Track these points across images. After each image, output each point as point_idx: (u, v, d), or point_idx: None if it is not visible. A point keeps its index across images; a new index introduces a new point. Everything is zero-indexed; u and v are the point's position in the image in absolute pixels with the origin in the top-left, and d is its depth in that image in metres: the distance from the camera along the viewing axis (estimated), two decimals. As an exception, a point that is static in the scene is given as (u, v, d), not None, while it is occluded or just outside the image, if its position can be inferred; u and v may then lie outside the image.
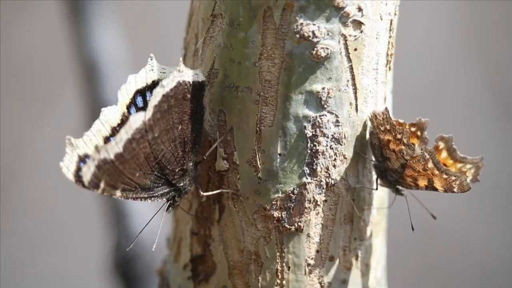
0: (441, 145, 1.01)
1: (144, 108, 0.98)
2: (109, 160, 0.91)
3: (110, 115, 0.97)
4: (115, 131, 0.97)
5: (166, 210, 0.99)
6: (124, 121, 0.97)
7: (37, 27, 2.62)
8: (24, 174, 2.58)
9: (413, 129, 1.00)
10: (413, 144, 0.99)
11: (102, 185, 0.92)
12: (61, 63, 2.09)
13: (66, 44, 1.76)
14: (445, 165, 1.00)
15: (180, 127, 0.97)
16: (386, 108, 0.99)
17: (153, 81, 0.99)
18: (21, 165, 2.59)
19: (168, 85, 0.95)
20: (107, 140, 0.96)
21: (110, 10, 1.75)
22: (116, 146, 0.91)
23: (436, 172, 0.97)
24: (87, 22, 1.73)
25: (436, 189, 0.98)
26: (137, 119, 0.92)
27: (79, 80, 1.73)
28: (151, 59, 0.99)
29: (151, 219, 1.02)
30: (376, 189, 1.01)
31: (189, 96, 0.97)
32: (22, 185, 2.57)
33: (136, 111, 0.98)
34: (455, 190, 0.97)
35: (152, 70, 0.99)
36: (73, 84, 1.77)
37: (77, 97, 1.73)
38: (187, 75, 0.97)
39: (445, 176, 0.97)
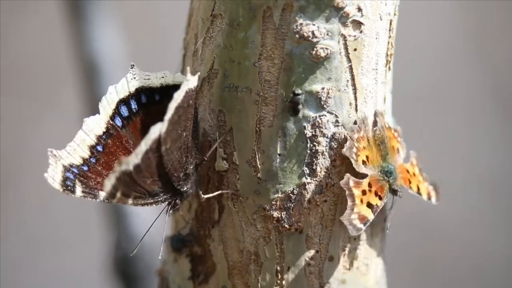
0: (414, 161, 1.03)
1: (130, 117, 0.99)
2: (128, 171, 0.92)
3: (93, 125, 0.99)
4: (100, 139, 0.99)
5: (167, 213, 0.99)
6: (109, 129, 0.98)
7: (37, 27, 2.62)
8: (24, 174, 2.58)
9: (395, 133, 1.02)
10: (399, 148, 1.01)
11: (118, 195, 0.93)
12: (61, 63, 2.09)
13: (66, 44, 1.76)
14: (419, 180, 1.02)
15: (184, 134, 0.97)
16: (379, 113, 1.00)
17: (137, 89, 1.00)
18: (21, 165, 2.59)
19: (179, 97, 0.95)
20: (92, 148, 0.98)
21: (110, 10, 1.75)
22: (135, 158, 0.92)
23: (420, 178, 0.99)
24: (87, 22, 1.73)
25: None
26: (155, 130, 0.93)
27: (79, 80, 1.73)
28: (132, 68, 0.99)
29: (153, 223, 1.03)
30: None
31: (191, 102, 0.97)
32: (22, 185, 2.57)
33: (121, 121, 0.99)
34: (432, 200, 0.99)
35: (135, 78, 0.99)
36: (73, 84, 1.77)
37: (77, 97, 1.73)
38: (192, 82, 0.97)
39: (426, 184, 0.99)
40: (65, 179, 0.97)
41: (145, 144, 0.92)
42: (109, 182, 0.92)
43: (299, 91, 0.96)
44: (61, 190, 0.97)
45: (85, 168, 0.98)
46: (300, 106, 0.96)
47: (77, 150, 0.98)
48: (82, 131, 0.99)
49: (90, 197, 0.97)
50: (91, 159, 0.98)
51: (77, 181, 0.97)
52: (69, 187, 0.97)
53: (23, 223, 2.58)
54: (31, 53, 2.64)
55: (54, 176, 0.97)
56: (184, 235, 1.03)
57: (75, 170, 0.97)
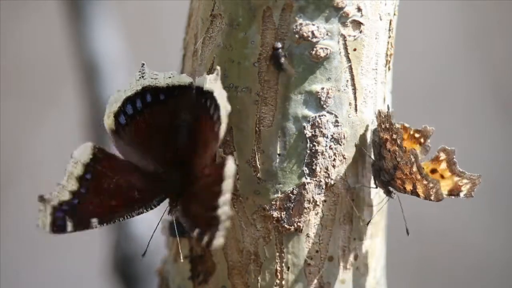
0: (442, 156, 1.02)
1: (134, 116, 0.99)
2: None
3: (80, 155, 0.98)
4: (88, 166, 0.98)
5: (169, 213, 0.99)
6: (96, 155, 0.98)
7: (37, 27, 2.62)
8: (24, 174, 2.58)
9: (417, 135, 1.01)
10: (414, 149, 1.00)
11: None
12: (61, 63, 2.09)
13: (66, 44, 1.76)
14: (442, 176, 1.01)
15: None
16: (388, 106, 1.00)
17: (143, 88, 0.99)
18: (21, 165, 2.59)
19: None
20: (81, 179, 0.98)
21: (110, 10, 1.75)
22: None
23: (419, 176, 0.98)
24: (87, 22, 1.73)
25: (418, 195, 0.99)
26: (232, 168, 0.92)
27: (79, 80, 1.73)
28: (143, 66, 0.99)
29: (157, 226, 1.03)
30: (376, 187, 1.02)
31: None
32: (22, 185, 2.57)
33: (125, 119, 0.99)
34: (432, 197, 0.98)
35: (143, 77, 0.99)
36: (73, 84, 1.77)
37: (77, 97, 1.73)
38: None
39: (425, 182, 0.98)
40: (55, 220, 0.96)
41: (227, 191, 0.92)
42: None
43: (279, 45, 0.95)
44: (52, 232, 0.96)
45: (75, 201, 0.97)
46: (283, 60, 0.95)
47: (66, 187, 0.97)
48: (69, 165, 0.98)
49: (80, 229, 0.97)
50: (81, 190, 0.98)
51: (67, 217, 0.96)
52: (60, 227, 0.96)
53: (23, 223, 2.58)
54: (31, 53, 2.64)
55: (44, 222, 0.96)
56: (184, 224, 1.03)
57: (65, 207, 0.97)
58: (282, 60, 0.95)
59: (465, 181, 1.01)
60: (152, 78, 0.99)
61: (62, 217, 0.96)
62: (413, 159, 0.98)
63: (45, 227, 0.96)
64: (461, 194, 1.01)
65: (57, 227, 0.96)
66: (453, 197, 1.02)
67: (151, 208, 0.98)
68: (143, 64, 1.00)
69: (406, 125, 1.01)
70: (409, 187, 0.99)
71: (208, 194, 0.92)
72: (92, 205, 0.97)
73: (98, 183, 0.98)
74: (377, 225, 1.04)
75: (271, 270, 1.00)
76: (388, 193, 1.01)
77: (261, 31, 0.97)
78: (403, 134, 0.99)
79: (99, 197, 0.97)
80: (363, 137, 1.00)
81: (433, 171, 1.01)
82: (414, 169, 0.98)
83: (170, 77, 1.00)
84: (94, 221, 0.97)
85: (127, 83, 1.00)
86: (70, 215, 0.96)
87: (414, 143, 1.01)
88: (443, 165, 1.01)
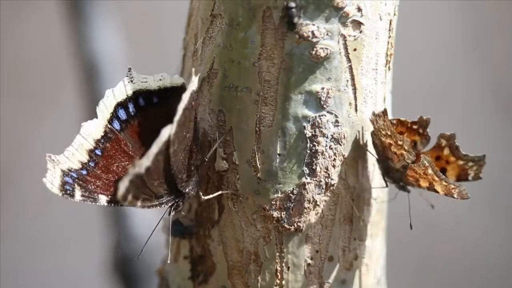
0: (443, 142, 1.02)
1: (128, 120, 0.99)
2: (140, 174, 0.92)
3: (91, 129, 0.99)
4: (99, 143, 0.99)
5: (169, 214, 0.99)
6: (107, 133, 0.99)
7: (37, 27, 2.62)
8: (24, 174, 2.58)
9: (414, 126, 1.01)
10: (415, 141, 1.00)
11: (129, 197, 0.93)
12: (61, 63, 2.09)
13: (66, 44, 1.76)
14: (447, 162, 1.01)
15: (188, 136, 0.97)
16: (384, 112, 0.99)
17: (134, 92, 1.00)
18: (21, 165, 2.59)
19: (186, 98, 0.95)
20: (91, 152, 0.99)
21: (110, 10, 1.75)
22: (147, 160, 0.92)
23: (436, 178, 0.97)
24: (87, 22, 1.73)
25: (437, 192, 0.99)
26: (165, 133, 0.93)
27: (79, 80, 1.73)
28: (129, 71, 1.00)
29: (156, 226, 1.03)
30: (386, 186, 1.02)
31: (194, 104, 0.97)
32: (22, 185, 2.57)
33: (120, 124, 0.99)
34: (454, 196, 0.98)
35: (132, 81, 1.00)
36: (73, 84, 1.77)
37: (77, 97, 1.74)
38: (195, 83, 0.97)
39: (444, 183, 0.97)
40: (64, 183, 0.97)
41: (156, 147, 0.93)
42: (123, 185, 0.92)
43: (292, 4, 0.95)
44: (60, 194, 0.97)
45: (84, 172, 0.98)
46: (296, 19, 0.95)
47: (75, 155, 0.98)
48: (80, 135, 0.99)
49: (90, 201, 0.98)
50: (90, 163, 0.98)
51: (76, 185, 0.98)
52: (68, 191, 0.97)
53: (23, 223, 2.58)
54: (31, 53, 2.64)
55: (53, 181, 0.97)
56: (184, 226, 1.03)
57: (74, 175, 0.98)
58: (296, 20, 0.95)
59: (470, 163, 1.01)
60: (142, 82, 1.00)
61: (71, 183, 0.97)
62: (427, 164, 0.97)
63: (53, 187, 0.97)
64: (469, 177, 1.01)
65: (65, 191, 0.97)
66: (462, 182, 1.02)
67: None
68: (130, 68, 1.00)
69: (402, 119, 1.01)
70: (425, 184, 0.99)
71: None
72: (100, 181, 0.98)
73: (107, 162, 0.99)
74: (378, 225, 1.04)
75: (271, 270, 1.00)
76: (401, 188, 1.01)
77: (261, 31, 0.97)
78: (410, 141, 0.99)
79: (107, 176, 0.98)
80: (363, 137, 1.00)
81: (438, 158, 1.01)
82: (430, 171, 0.98)
83: (161, 79, 1.00)
84: (102, 198, 0.98)
85: (116, 88, 1.00)
86: (79, 184, 0.98)
87: (413, 134, 1.01)
88: (446, 151, 1.01)
